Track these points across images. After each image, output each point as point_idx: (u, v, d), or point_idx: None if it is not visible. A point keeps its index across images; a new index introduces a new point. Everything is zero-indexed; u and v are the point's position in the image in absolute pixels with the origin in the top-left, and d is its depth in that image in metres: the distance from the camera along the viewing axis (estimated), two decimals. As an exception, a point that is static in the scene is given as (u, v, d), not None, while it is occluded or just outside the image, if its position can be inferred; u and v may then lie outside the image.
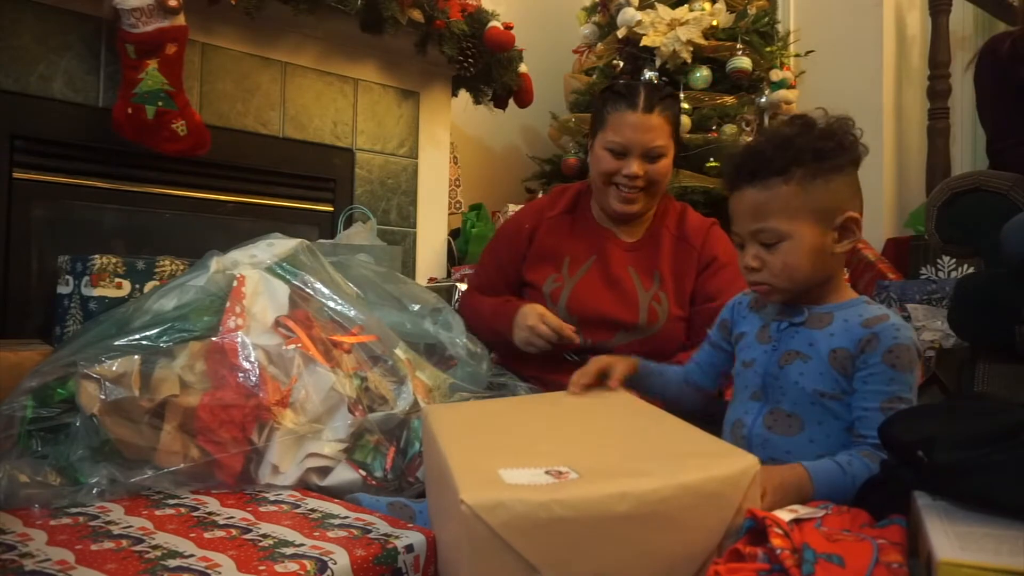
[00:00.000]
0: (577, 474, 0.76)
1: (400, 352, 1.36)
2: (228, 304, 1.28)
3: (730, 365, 1.16)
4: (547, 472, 0.76)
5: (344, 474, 1.20)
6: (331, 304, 1.39)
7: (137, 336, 1.21)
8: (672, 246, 1.58)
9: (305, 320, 1.32)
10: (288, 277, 1.39)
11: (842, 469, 0.91)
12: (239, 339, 1.23)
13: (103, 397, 1.12)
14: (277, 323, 1.28)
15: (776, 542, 0.71)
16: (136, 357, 1.17)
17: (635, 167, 1.50)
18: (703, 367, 1.21)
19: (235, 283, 1.31)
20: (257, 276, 1.34)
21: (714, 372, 1.20)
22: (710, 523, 0.74)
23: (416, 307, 1.52)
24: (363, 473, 1.20)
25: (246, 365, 1.21)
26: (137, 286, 1.59)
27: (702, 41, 2.67)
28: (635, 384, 1.21)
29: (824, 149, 0.96)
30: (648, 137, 1.49)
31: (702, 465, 0.77)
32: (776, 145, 0.97)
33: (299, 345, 1.26)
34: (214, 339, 1.22)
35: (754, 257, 0.99)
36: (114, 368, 1.15)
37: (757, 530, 0.74)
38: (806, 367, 0.98)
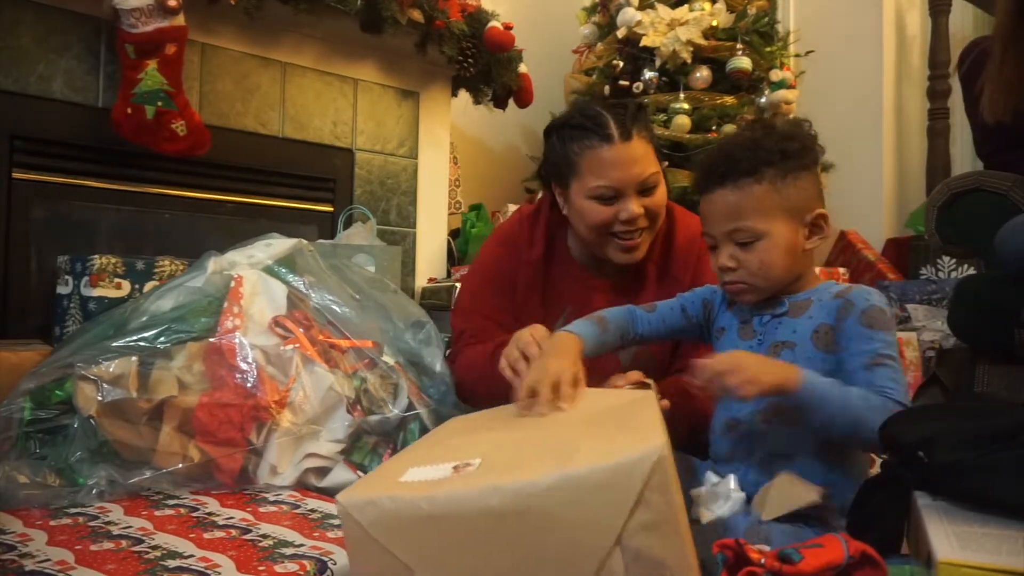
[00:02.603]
0: (478, 465, 0.72)
1: (388, 357, 1.36)
2: (226, 305, 1.28)
3: (680, 336, 1.19)
4: (454, 467, 0.73)
5: (342, 475, 1.20)
6: (328, 305, 1.39)
7: (135, 337, 1.22)
8: (657, 283, 1.39)
9: (304, 320, 1.32)
10: (286, 278, 1.39)
11: (836, 382, 0.92)
12: (237, 340, 1.23)
13: (100, 398, 1.12)
14: (275, 323, 1.28)
15: (755, 555, 0.70)
16: (133, 358, 1.17)
17: (634, 207, 1.27)
18: (653, 320, 1.15)
19: (233, 284, 1.31)
20: (255, 276, 1.34)
21: (662, 330, 1.15)
22: (602, 520, 0.64)
23: (400, 319, 1.50)
24: (361, 474, 1.20)
25: (244, 366, 1.21)
26: (136, 286, 1.59)
27: (702, 41, 2.66)
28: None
29: (789, 149, 0.99)
30: (638, 169, 1.27)
31: (593, 453, 0.67)
32: (744, 147, 1.00)
33: (297, 345, 1.26)
34: (212, 340, 1.23)
35: (730, 257, 1.01)
36: (111, 369, 1.15)
37: (732, 564, 0.71)
38: (794, 355, 0.99)
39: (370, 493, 0.70)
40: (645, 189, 1.29)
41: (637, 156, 1.27)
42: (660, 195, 1.32)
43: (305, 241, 1.51)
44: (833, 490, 0.94)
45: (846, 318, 0.96)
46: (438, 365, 1.43)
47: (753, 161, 0.99)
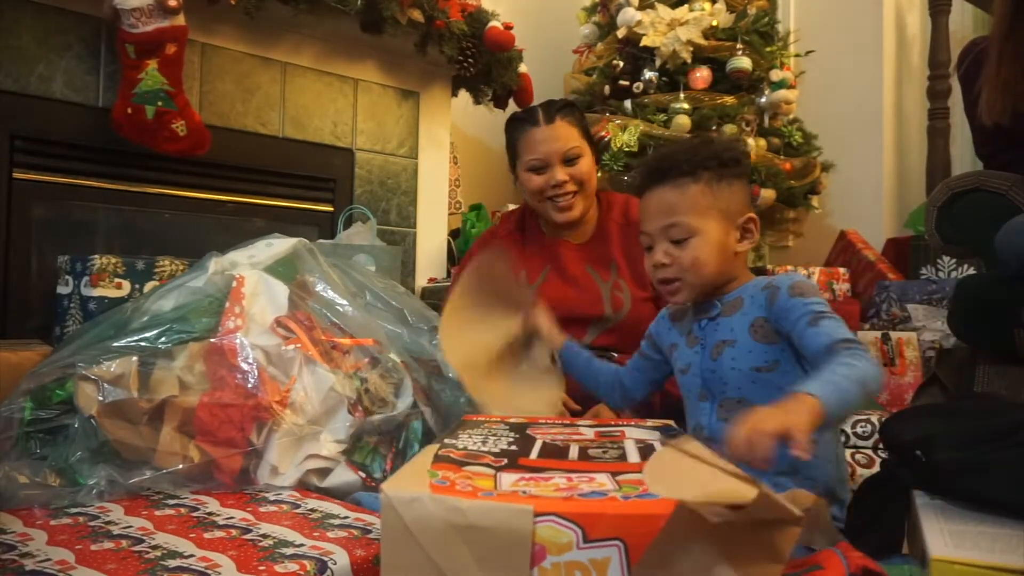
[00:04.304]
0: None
1: (394, 355, 1.36)
2: (227, 305, 1.28)
3: (659, 375, 1.23)
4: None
5: (343, 475, 1.20)
6: (330, 303, 1.39)
7: (135, 337, 1.22)
8: (620, 234, 1.63)
9: (306, 320, 1.32)
10: (286, 278, 1.39)
11: (826, 378, 0.84)
12: (238, 340, 1.23)
13: (101, 398, 1.12)
14: (277, 323, 1.28)
15: None
16: (134, 358, 1.17)
17: (559, 174, 1.58)
18: (632, 373, 1.25)
19: (234, 284, 1.32)
20: (256, 277, 1.34)
21: (643, 379, 1.23)
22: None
23: (418, 322, 1.52)
24: (362, 475, 1.20)
25: (245, 366, 1.21)
26: (137, 286, 1.59)
27: (702, 41, 2.66)
28: (562, 361, 1.30)
29: (725, 158, 1.07)
30: (559, 144, 1.58)
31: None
32: (685, 151, 1.08)
33: (299, 345, 1.26)
34: (213, 340, 1.23)
35: (664, 253, 1.06)
36: (112, 369, 1.15)
37: None
38: (735, 350, 1.02)
39: (418, 490, 0.66)
40: (569, 159, 1.59)
41: (559, 135, 1.59)
42: (583, 164, 1.60)
43: (306, 240, 1.51)
44: (812, 471, 0.94)
45: (775, 300, 0.99)
46: (452, 373, 1.44)
47: (692, 164, 1.05)
